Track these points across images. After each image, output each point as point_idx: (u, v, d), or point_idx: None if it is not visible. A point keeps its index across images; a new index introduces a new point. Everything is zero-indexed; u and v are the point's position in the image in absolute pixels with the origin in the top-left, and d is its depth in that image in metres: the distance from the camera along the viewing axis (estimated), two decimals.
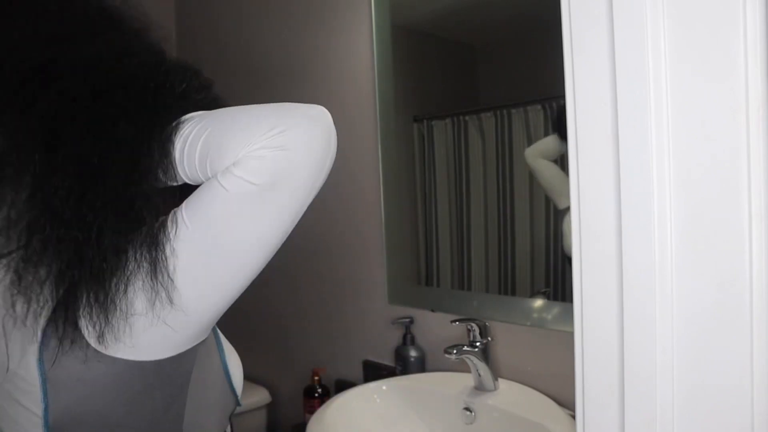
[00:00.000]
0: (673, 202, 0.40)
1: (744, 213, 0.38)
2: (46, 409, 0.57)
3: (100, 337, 0.55)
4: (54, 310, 0.56)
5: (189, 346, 0.62)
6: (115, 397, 0.58)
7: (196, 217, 0.56)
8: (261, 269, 0.61)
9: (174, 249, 0.56)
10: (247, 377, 1.79)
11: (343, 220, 1.61)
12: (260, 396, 1.75)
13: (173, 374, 0.61)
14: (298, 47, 1.69)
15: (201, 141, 0.57)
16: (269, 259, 0.61)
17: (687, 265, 0.40)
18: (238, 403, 0.73)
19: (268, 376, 1.83)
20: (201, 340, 0.63)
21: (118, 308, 0.55)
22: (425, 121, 1.42)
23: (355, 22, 1.52)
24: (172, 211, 0.58)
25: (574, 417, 0.50)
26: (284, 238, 0.61)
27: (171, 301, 0.56)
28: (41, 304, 0.55)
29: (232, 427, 0.78)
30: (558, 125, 1.19)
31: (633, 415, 0.43)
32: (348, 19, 1.54)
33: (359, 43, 1.51)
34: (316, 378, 1.58)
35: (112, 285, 0.55)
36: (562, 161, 1.18)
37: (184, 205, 0.57)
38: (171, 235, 0.56)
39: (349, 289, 1.61)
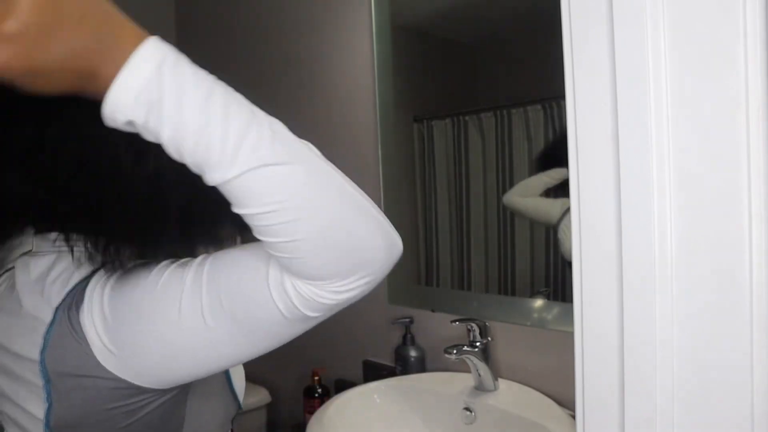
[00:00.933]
0: (673, 202, 0.40)
1: (744, 213, 0.38)
2: (49, 409, 0.57)
3: (105, 353, 0.55)
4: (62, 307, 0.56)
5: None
6: (116, 405, 0.58)
7: (238, 310, 0.50)
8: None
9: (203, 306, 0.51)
10: (248, 377, 1.78)
11: None
12: (260, 396, 1.75)
13: (174, 388, 0.61)
14: (298, 47, 1.69)
15: (296, 231, 0.45)
16: None
17: (687, 265, 0.40)
18: (239, 407, 0.73)
19: (268, 376, 1.83)
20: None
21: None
22: (425, 121, 1.42)
23: (355, 22, 1.52)
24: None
25: (574, 417, 0.50)
26: None
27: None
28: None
29: (232, 426, 0.78)
30: (542, 161, 1.22)
31: (633, 415, 0.43)
32: (348, 19, 1.54)
33: (359, 43, 1.51)
34: (316, 378, 1.58)
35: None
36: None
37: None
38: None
39: None
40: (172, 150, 0.43)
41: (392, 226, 0.54)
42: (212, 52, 2.00)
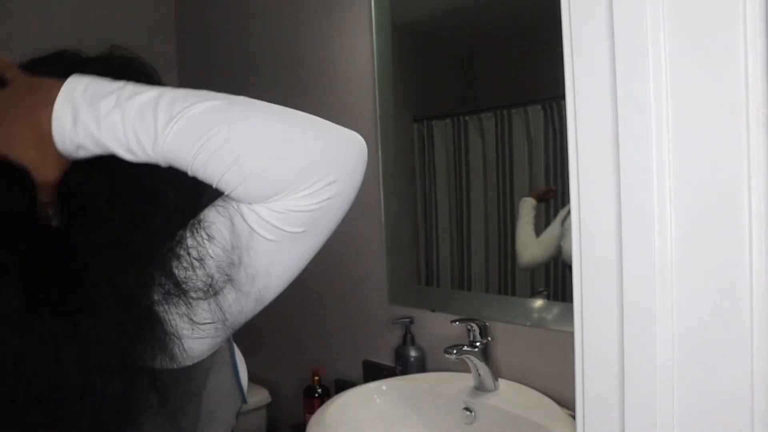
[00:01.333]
0: (673, 202, 0.40)
1: (744, 213, 0.38)
2: None
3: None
4: None
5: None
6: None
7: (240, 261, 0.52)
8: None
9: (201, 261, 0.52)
10: (248, 377, 1.79)
11: (343, 220, 1.60)
12: (260, 396, 1.75)
13: (192, 379, 0.60)
14: (298, 47, 1.69)
15: (231, 151, 0.49)
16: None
17: (687, 265, 0.40)
18: (244, 401, 0.73)
19: (268, 376, 1.83)
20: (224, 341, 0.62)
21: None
22: (425, 121, 1.42)
23: (355, 22, 1.52)
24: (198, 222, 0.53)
25: (574, 417, 0.50)
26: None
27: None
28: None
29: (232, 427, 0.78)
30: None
31: (633, 415, 0.43)
32: (348, 19, 1.54)
33: (359, 43, 1.51)
34: (316, 378, 1.58)
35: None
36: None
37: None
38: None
39: (349, 289, 1.61)
40: (125, 153, 0.49)
41: (343, 128, 0.56)
42: (211, 52, 2.00)
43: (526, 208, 1.22)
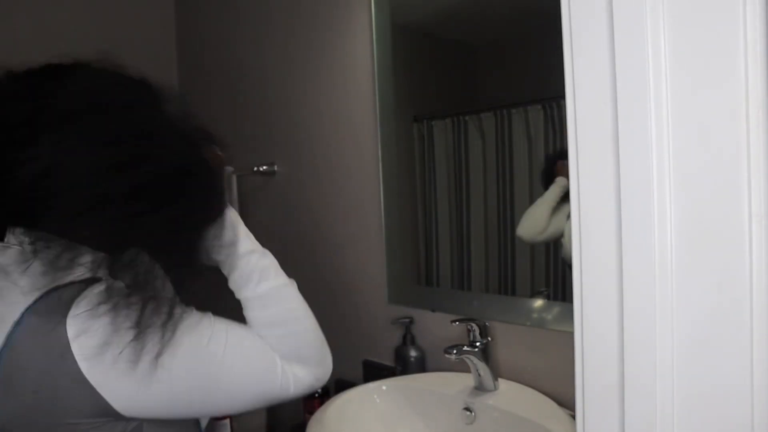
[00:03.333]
0: (673, 202, 0.40)
1: (744, 213, 0.38)
2: None
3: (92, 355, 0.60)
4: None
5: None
6: (78, 405, 0.61)
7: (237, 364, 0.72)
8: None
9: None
10: None
11: (343, 220, 1.61)
12: None
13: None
14: (297, 47, 1.69)
15: (292, 335, 0.80)
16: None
17: (687, 265, 0.40)
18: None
19: None
20: None
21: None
22: (425, 121, 1.42)
23: (355, 22, 1.52)
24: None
25: (574, 417, 0.50)
26: None
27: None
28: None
29: (232, 427, 0.80)
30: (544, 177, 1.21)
31: (633, 415, 0.43)
32: (348, 19, 1.54)
33: (359, 43, 1.51)
34: None
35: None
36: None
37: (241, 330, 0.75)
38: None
39: (349, 289, 1.61)
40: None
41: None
42: (212, 53, 2.00)
43: (556, 191, 1.19)
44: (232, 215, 0.77)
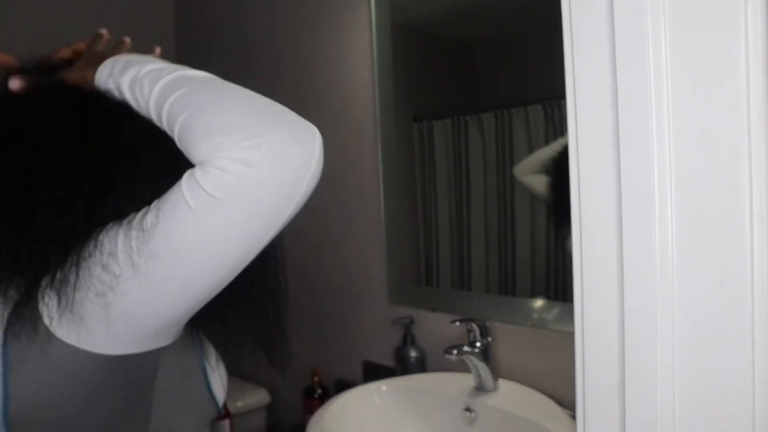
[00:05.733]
0: (674, 202, 0.40)
1: (745, 212, 0.38)
2: (6, 399, 0.57)
3: (55, 318, 0.56)
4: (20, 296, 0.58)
5: (149, 347, 0.61)
6: (71, 389, 0.58)
7: (159, 225, 0.54)
8: (230, 277, 0.58)
9: (132, 248, 0.54)
10: (247, 377, 1.79)
11: (343, 220, 1.61)
12: (260, 396, 1.75)
13: (131, 375, 0.61)
14: (297, 47, 1.69)
15: (181, 117, 0.56)
16: (239, 268, 0.58)
17: (688, 265, 0.40)
18: (219, 411, 0.73)
19: (268, 377, 1.83)
20: (165, 343, 0.62)
21: (71, 286, 0.55)
22: (425, 121, 1.42)
23: (355, 22, 1.52)
24: (143, 210, 0.56)
25: (574, 417, 0.50)
26: (251, 252, 0.58)
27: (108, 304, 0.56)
28: (10, 291, 0.58)
29: (231, 427, 0.78)
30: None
31: (633, 415, 0.43)
32: (348, 19, 1.54)
33: (359, 43, 1.51)
34: (316, 378, 1.58)
35: (68, 266, 0.56)
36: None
37: (153, 205, 0.56)
38: (131, 235, 0.54)
39: (349, 289, 1.61)
40: (131, 98, 0.61)
41: (300, 118, 0.60)
42: (211, 52, 2.00)
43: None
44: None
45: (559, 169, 1.17)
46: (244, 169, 0.52)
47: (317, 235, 1.66)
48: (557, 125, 1.17)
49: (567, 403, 1.12)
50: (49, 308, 0.56)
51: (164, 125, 0.58)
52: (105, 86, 0.63)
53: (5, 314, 0.58)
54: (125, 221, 0.56)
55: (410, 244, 1.46)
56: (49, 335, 0.57)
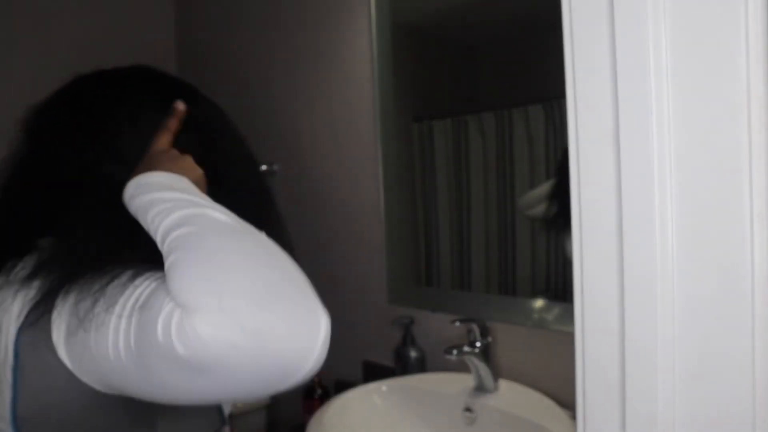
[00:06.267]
0: (674, 202, 0.40)
1: (746, 212, 0.38)
2: (15, 396, 0.57)
3: (62, 340, 0.57)
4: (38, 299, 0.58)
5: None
6: (75, 396, 0.58)
7: (136, 353, 0.49)
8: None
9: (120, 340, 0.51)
10: None
11: (343, 220, 1.61)
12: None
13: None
14: (297, 47, 1.69)
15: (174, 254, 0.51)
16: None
17: (688, 265, 0.40)
18: (225, 422, 0.73)
19: None
20: None
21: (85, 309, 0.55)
22: (425, 121, 1.42)
23: (355, 21, 1.52)
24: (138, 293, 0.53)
25: (574, 418, 0.50)
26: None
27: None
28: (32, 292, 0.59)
29: (231, 427, 0.78)
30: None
31: (633, 415, 0.43)
32: (348, 19, 1.54)
33: (359, 43, 1.51)
34: (316, 379, 1.58)
35: (95, 285, 0.56)
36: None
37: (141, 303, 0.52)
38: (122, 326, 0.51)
39: (349, 289, 1.61)
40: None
41: (314, 303, 0.57)
42: (211, 53, 2.00)
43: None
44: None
45: (560, 171, 1.17)
46: (222, 347, 0.46)
47: (317, 234, 1.65)
48: (557, 125, 1.17)
49: (567, 403, 1.11)
50: (58, 325, 0.57)
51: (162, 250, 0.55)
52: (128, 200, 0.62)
53: (24, 310, 0.59)
54: (150, 282, 0.54)
55: (410, 244, 1.46)
56: (53, 349, 0.57)
